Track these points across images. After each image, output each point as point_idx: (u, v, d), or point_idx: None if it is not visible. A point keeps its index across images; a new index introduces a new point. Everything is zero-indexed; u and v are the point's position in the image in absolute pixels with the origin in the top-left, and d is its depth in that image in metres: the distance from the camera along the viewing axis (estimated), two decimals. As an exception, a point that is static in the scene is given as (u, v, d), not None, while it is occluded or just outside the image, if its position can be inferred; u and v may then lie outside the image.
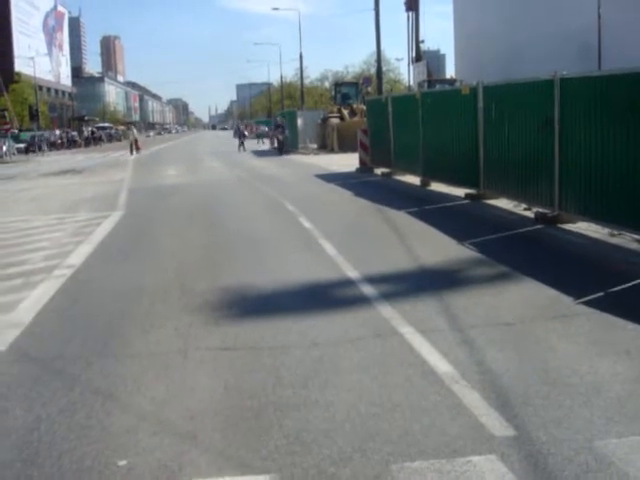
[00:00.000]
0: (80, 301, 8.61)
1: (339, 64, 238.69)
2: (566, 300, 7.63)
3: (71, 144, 74.89)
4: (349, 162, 27.38)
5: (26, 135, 65.81)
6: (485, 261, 9.82)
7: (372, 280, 8.76)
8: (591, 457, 4.21)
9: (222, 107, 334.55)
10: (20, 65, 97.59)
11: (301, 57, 70.08)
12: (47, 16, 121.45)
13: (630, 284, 8.24)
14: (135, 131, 55.77)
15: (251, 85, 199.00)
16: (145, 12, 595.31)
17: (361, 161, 25.45)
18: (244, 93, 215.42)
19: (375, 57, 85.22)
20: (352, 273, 9.23)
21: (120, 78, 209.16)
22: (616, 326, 6.74)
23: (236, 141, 53.24)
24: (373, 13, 42.67)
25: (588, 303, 7.46)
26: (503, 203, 14.62)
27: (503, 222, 12.95)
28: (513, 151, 13.90)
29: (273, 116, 69.41)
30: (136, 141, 48.67)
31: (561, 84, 11.97)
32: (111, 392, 5.53)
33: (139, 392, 5.54)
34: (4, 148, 52.83)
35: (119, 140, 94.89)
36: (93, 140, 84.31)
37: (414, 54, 62.58)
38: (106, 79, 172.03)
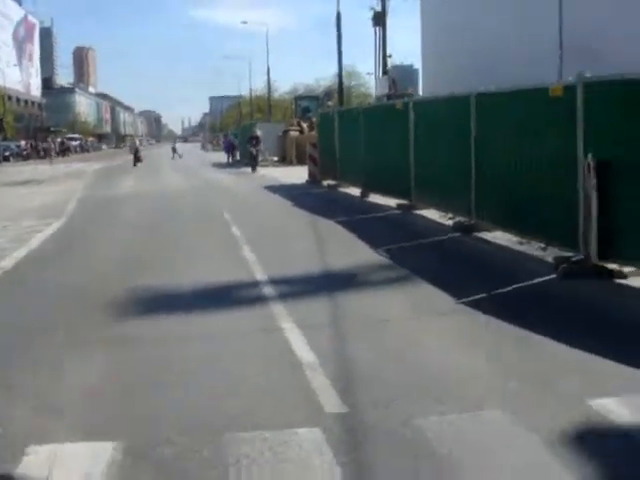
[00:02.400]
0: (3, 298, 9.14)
1: (311, 77, 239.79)
2: (449, 300, 8.20)
3: (37, 155, 74.93)
4: (303, 175, 27.86)
5: (-8, 145, 65.97)
6: (390, 265, 10.40)
7: (276, 282, 9.31)
8: (409, 431, 4.74)
9: (195, 119, 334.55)
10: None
11: (268, 71, 71.40)
12: (17, 26, 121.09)
13: (514, 286, 8.84)
14: (137, 142, 54.97)
15: (224, 98, 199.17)
16: (118, 23, 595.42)
17: (310, 174, 26.05)
18: (217, 105, 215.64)
19: (346, 71, 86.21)
20: (261, 276, 9.77)
21: (92, 89, 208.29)
22: (482, 324, 7.30)
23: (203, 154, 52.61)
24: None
25: (468, 303, 8.01)
26: (431, 213, 15.20)
27: (423, 230, 13.56)
28: (437, 164, 14.55)
29: (223, 132, 67.71)
30: (137, 151, 47.25)
31: (477, 100, 12.61)
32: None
33: (28, 379, 6.03)
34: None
35: (88, 151, 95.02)
36: (62, 151, 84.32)
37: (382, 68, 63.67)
38: (77, 90, 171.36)
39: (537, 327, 6.97)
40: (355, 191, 20.60)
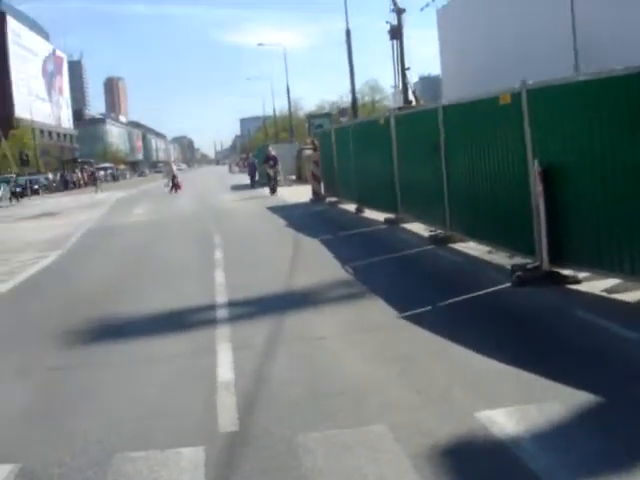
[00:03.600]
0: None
1: (337, 94, 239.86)
2: (392, 315, 8.31)
3: (65, 186, 76.21)
4: (312, 193, 28.08)
5: (22, 179, 67.14)
6: (351, 282, 10.53)
7: (234, 304, 9.51)
8: (284, 447, 4.89)
9: (228, 142, 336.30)
10: (20, 111, 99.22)
11: (288, 90, 71.47)
12: (45, 61, 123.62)
13: (464, 297, 8.93)
14: (174, 167, 50.07)
15: (253, 119, 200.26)
16: (145, 53, 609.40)
17: (313, 192, 26.26)
18: (247, 127, 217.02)
19: (369, 85, 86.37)
20: (222, 298, 9.95)
21: (122, 118, 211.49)
22: (411, 337, 7.41)
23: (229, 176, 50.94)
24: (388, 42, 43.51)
25: (408, 317, 8.13)
26: (416, 227, 15.26)
27: (400, 244, 13.66)
28: (417, 176, 14.67)
29: (246, 151, 67.02)
30: (174, 178, 43.21)
31: (444, 111, 12.73)
32: None
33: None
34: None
35: (117, 180, 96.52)
36: (91, 181, 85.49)
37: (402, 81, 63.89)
38: (108, 120, 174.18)
39: (465, 338, 7.07)
40: (352, 207, 20.75)
